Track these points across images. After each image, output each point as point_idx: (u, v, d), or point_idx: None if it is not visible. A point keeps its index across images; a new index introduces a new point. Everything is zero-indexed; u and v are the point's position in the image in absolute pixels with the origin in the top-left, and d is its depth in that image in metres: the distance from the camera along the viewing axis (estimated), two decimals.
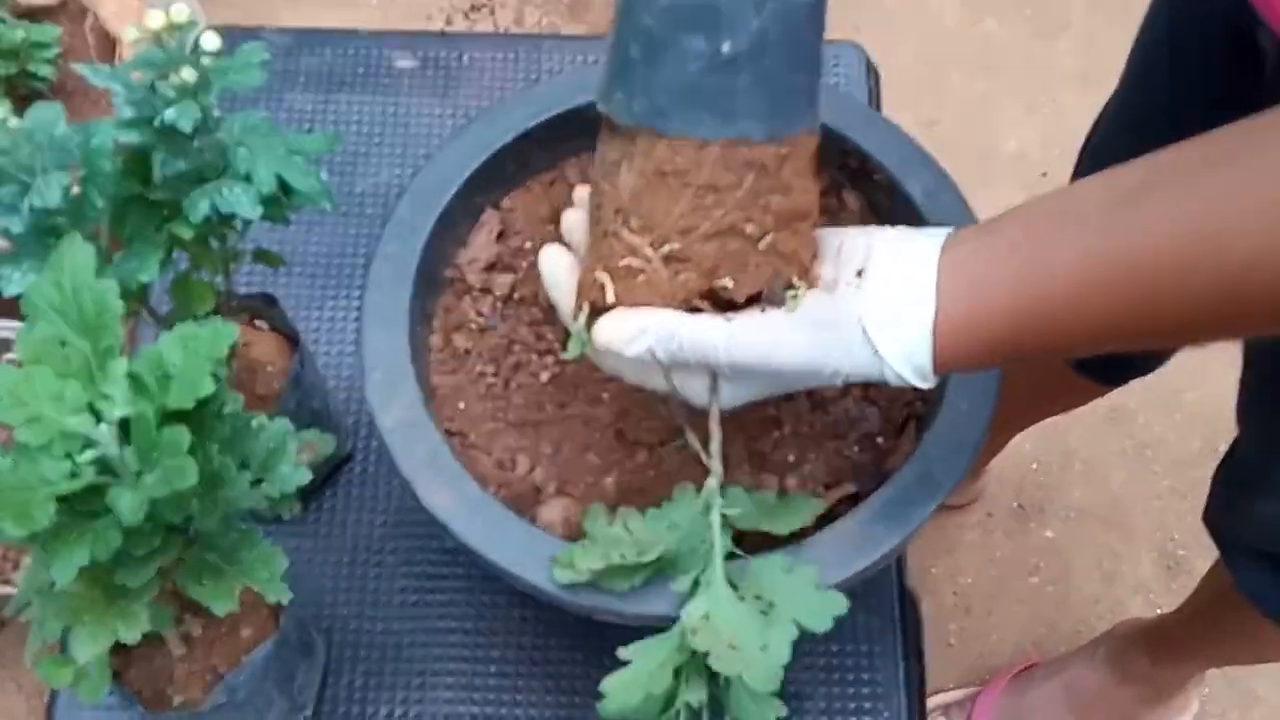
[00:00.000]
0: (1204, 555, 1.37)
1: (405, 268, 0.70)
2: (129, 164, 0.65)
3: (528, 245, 0.75)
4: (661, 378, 0.58)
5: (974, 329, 0.52)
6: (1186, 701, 1.23)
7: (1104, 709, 1.16)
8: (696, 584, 0.58)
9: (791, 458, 0.68)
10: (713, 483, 0.59)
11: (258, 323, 0.83)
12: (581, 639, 0.80)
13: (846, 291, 0.54)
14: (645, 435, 0.69)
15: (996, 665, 1.28)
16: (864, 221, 0.75)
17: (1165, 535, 1.40)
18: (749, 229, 0.55)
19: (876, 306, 0.53)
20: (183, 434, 0.55)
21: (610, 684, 0.58)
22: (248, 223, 0.67)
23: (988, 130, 1.74)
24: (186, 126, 0.60)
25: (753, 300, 0.56)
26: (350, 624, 0.81)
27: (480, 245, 0.74)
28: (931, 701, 1.21)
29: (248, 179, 0.64)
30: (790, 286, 0.55)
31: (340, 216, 0.96)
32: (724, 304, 0.56)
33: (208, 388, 0.56)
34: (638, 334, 0.55)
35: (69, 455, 0.55)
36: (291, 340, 0.81)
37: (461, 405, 0.70)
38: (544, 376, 0.71)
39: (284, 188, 0.65)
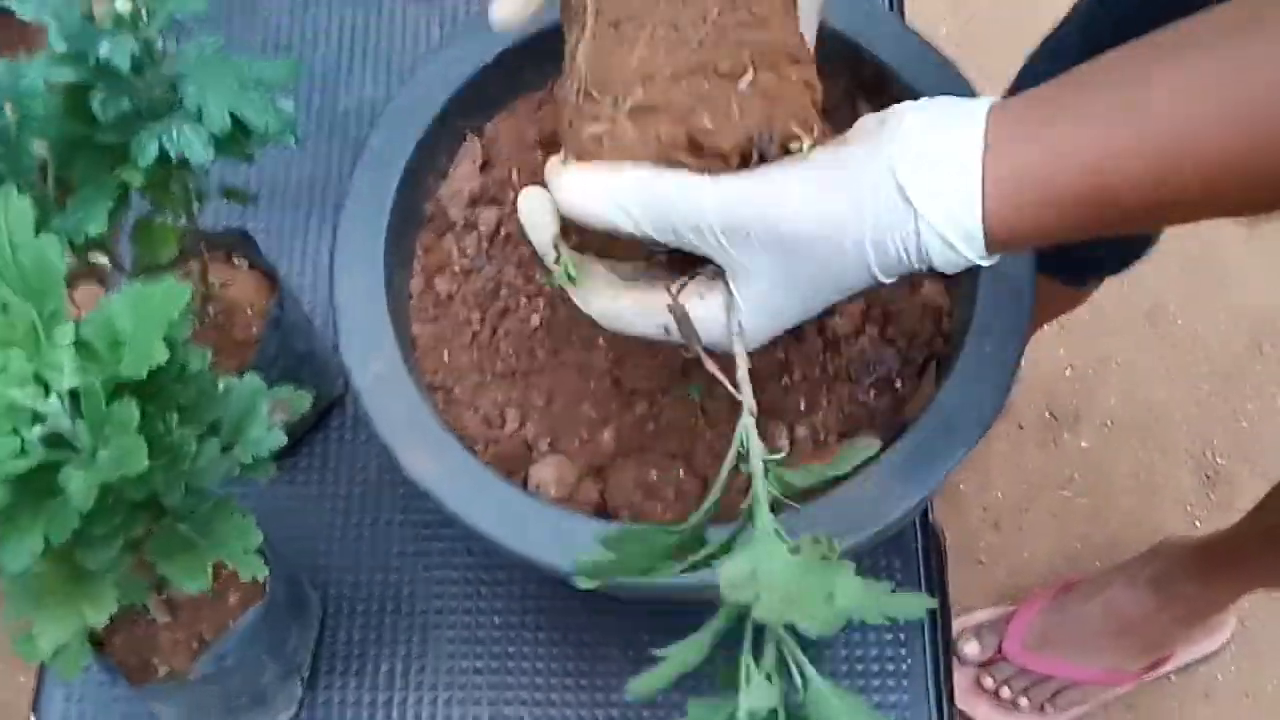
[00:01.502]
0: (1245, 465, 1.32)
1: (379, 205, 0.64)
2: (69, 103, 0.59)
3: (515, 175, 0.69)
4: (662, 318, 0.49)
5: (1044, 177, 0.42)
6: (1225, 619, 1.19)
7: (1143, 630, 1.12)
8: (730, 542, 0.49)
9: (802, 405, 0.63)
10: (748, 419, 0.50)
11: (235, 260, 0.78)
12: None
13: (870, 139, 0.45)
14: (644, 383, 0.64)
15: (1027, 583, 1.24)
16: None
17: (1204, 444, 1.34)
18: (723, 66, 0.47)
19: (909, 149, 0.44)
20: (131, 409, 0.50)
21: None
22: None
23: (1025, 17, 1.63)
24: (123, 63, 0.55)
25: (745, 161, 0.47)
26: (346, 576, 0.77)
27: (463, 176, 0.68)
28: (961, 622, 1.18)
29: (199, 117, 0.59)
30: (791, 139, 0.47)
31: (323, 138, 0.90)
32: (711, 161, 0.47)
33: (160, 355, 0.52)
34: (610, 188, 0.46)
35: (16, 431, 0.51)
36: (271, 278, 0.76)
37: (445, 356, 0.65)
38: (534, 321, 0.66)
39: (240, 125, 0.60)
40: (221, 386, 0.59)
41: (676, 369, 0.64)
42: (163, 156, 0.58)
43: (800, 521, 0.56)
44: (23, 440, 0.50)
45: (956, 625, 1.15)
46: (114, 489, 0.51)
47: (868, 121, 0.47)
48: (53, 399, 0.51)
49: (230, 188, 0.69)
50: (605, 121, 0.47)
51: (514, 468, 0.62)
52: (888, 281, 0.46)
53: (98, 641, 0.66)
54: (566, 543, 0.57)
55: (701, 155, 0.47)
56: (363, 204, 0.64)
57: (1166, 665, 1.18)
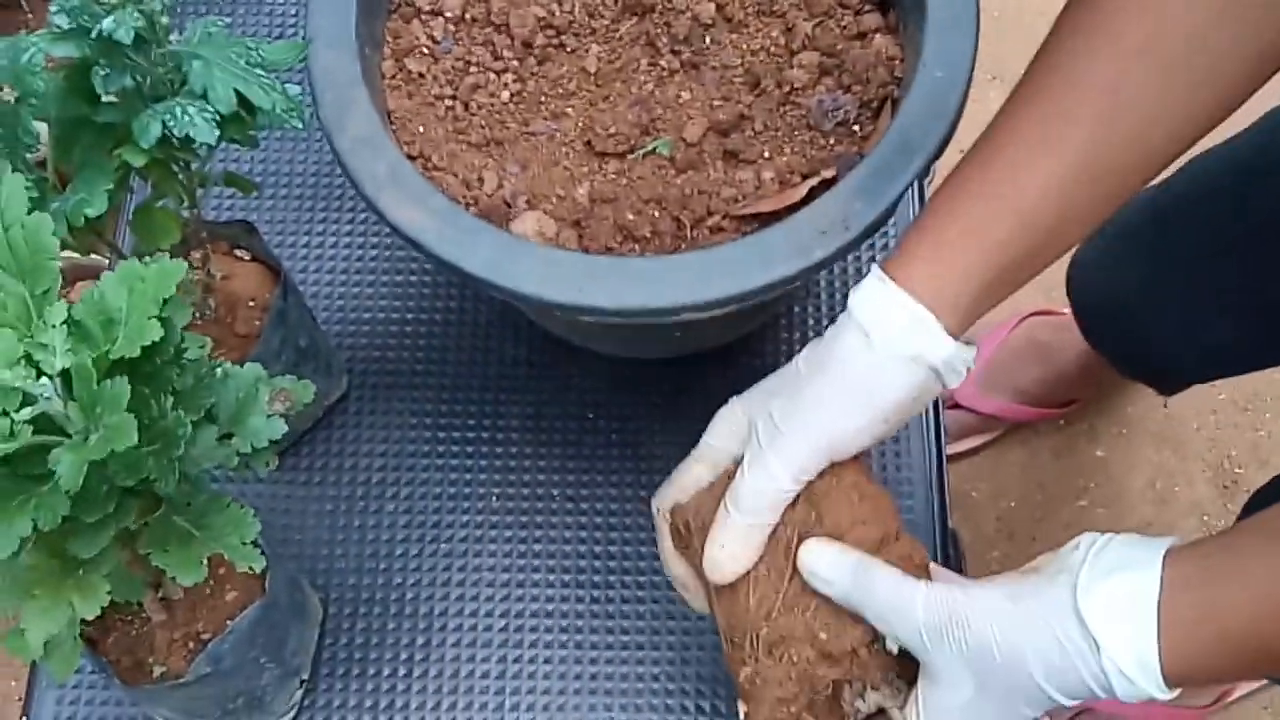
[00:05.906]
0: (1263, 475, 1.30)
1: None
2: (71, 81, 0.57)
3: None
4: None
5: (1216, 629, 0.46)
6: None
7: None
8: None
9: (767, 153, 0.67)
10: None
11: (239, 251, 0.76)
12: (600, 589, 0.74)
13: (1057, 574, 0.50)
14: (613, 146, 0.67)
15: None
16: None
17: (1221, 452, 1.32)
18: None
19: (1091, 588, 0.48)
20: (122, 386, 0.48)
21: None
22: (210, 145, 0.60)
23: None
24: (125, 38, 0.53)
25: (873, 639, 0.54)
26: (348, 578, 0.75)
27: None
28: None
29: (204, 97, 0.57)
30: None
31: None
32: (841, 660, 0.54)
33: (154, 333, 0.50)
34: (839, 563, 0.53)
35: (5, 413, 0.49)
36: (275, 271, 0.74)
37: (420, 129, 0.68)
38: (504, 95, 0.69)
39: (246, 105, 0.58)
40: (220, 373, 0.57)
41: (646, 127, 0.67)
42: (165, 137, 0.57)
43: (765, 241, 0.59)
44: (11, 422, 0.49)
45: None
46: (105, 472, 0.49)
47: (1046, 559, 0.52)
48: (43, 380, 0.50)
49: (232, 174, 0.67)
50: (750, 664, 0.54)
51: (495, 223, 0.64)
52: (1070, 704, 0.50)
53: (90, 640, 0.64)
54: (555, 276, 0.59)
55: (832, 660, 0.53)
56: None
57: (1233, 696, 1.15)
